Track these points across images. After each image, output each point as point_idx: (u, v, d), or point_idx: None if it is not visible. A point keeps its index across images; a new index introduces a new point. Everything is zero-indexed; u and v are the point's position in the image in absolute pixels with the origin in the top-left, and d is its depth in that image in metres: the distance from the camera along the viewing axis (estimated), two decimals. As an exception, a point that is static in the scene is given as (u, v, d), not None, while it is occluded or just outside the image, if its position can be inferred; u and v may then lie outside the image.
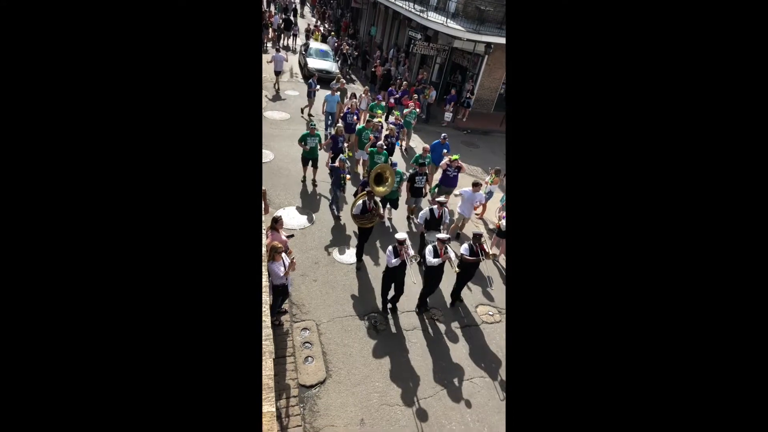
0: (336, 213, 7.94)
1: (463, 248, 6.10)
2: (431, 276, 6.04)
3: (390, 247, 5.71)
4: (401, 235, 5.66)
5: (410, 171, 8.12)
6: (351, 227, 7.59)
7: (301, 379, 4.95)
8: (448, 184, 8.28)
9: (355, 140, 9.48)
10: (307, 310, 5.92)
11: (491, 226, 8.86)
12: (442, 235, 5.78)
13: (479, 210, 9.05)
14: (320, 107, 11.77)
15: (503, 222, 7.41)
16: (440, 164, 8.37)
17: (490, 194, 8.80)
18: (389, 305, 6.19)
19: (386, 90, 14.23)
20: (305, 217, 7.88)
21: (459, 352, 5.79)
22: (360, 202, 6.60)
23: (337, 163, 7.58)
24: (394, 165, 7.78)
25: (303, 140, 8.39)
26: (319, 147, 8.61)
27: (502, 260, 7.81)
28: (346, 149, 8.58)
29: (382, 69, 16.08)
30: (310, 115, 12.34)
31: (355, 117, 10.26)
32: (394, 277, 5.87)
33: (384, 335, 5.80)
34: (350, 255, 7.15)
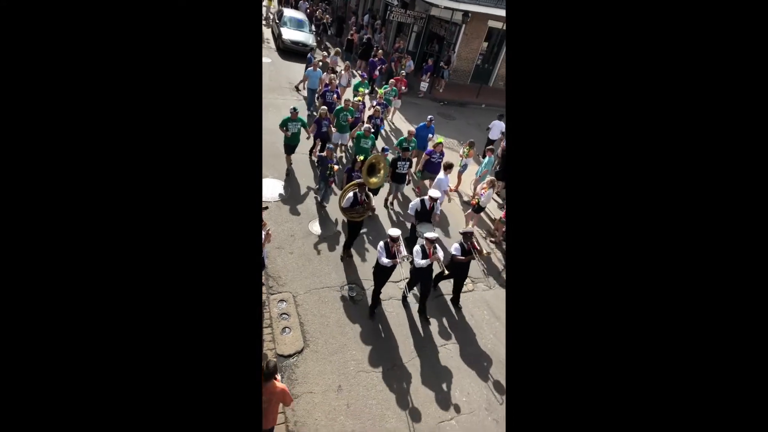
0: (322, 203, 7.42)
1: (454, 248, 5.81)
2: (419, 276, 5.69)
3: (381, 243, 5.37)
4: (394, 231, 5.34)
5: (392, 155, 7.74)
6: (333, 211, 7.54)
7: (279, 350, 5.02)
8: (432, 170, 8.00)
9: (332, 122, 8.80)
10: (284, 282, 5.94)
11: (465, 198, 8.98)
12: (431, 234, 5.46)
13: (452, 184, 8.95)
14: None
15: (482, 198, 7.36)
16: (425, 153, 8.05)
17: (464, 167, 8.87)
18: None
19: (366, 60, 13.87)
20: (280, 188, 7.77)
21: (433, 320, 5.97)
22: (350, 194, 6.14)
23: (324, 152, 7.03)
24: (386, 151, 7.38)
25: (284, 125, 7.56)
26: (304, 132, 7.89)
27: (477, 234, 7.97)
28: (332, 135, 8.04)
29: (358, 36, 15.61)
30: (297, 87, 11.58)
31: (335, 96, 9.47)
32: (386, 274, 5.58)
33: (360, 305, 5.90)
34: (326, 227, 7.13)
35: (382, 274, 5.60)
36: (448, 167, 7.32)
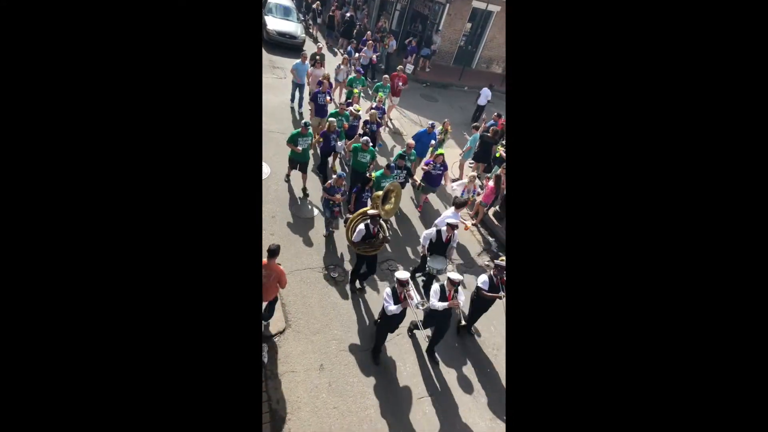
0: (328, 229, 6.67)
1: (482, 281, 5.19)
2: (434, 319, 4.95)
3: (388, 290, 4.63)
4: (402, 274, 4.56)
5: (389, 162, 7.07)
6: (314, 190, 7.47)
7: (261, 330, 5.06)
8: (432, 182, 7.45)
9: (319, 125, 8.10)
10: (265, 263, 5.94)
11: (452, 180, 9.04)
12: (455, 276, 4.70)
13: (384, 104, 8.74)
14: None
15: (462, 193, 7.19)
16: (423, 165, 7.46)
17: (440, 143, 8.84)
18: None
19: (348, 38, 13.56)
20: (266, 169, 7.67)
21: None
22: (361, 225, 5.25)
23: (332, 181, 6.19)
24: (393, 167, 6.57)
25: (292, 140, 6.82)
26: (312, 145, 7.35)
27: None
28: (341, 151, 7.31)
29: (340, 13, 15.25)
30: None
31: (327, 98, 8.53)
32: (392, 325, 4.88)
33: (342, 287, 5.97)
34: (308, 209, 7.11)
35: (387, 326, 4.86)
36: (461, 205, 6.32)
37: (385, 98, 9.47)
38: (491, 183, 7.59)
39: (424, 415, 4.73)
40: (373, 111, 8.20)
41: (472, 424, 4.80)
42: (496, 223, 8.12)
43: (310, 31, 14.93)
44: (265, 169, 7.69)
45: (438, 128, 8.83)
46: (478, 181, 7.85)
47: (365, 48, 11.99)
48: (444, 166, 7.36)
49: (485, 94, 11.49)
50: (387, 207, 6.13)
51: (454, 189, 7.37)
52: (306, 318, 5.37)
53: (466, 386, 5.19)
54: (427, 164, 7.38)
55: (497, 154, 8.53)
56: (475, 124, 9.20)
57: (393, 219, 7.33)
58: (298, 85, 9.61)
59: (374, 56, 12.33)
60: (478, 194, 7.79)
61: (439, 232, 5.59)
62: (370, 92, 9.93)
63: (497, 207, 7.99)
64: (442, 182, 7.59)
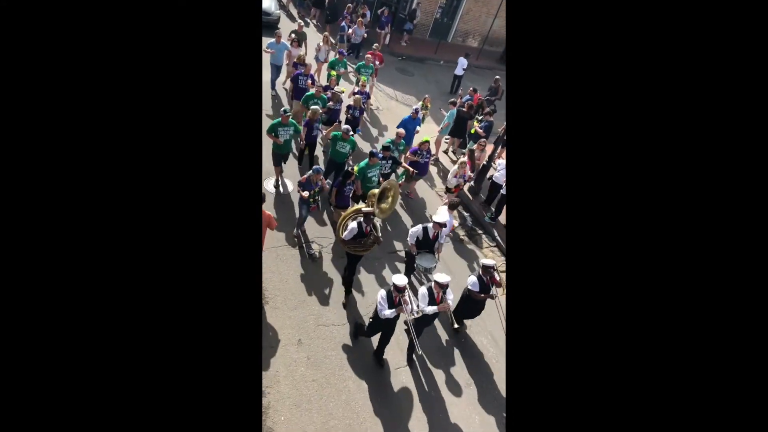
0: (296, 230, 6.12)
1: (471, 282, 5.10)
2: (420, 324, 4.80)
3: (382, 293, 4.46)
4: (400, 279, 4.36)
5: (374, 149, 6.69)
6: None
7: (238, 307, 5.05)
8: (420, 170, 7.21)
9: (300, 110, 7.48)
10: (240, 241, 5.86)
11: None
12: (442, 278, 4.52)
13: (367, 88, 8.39)
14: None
15: (453, 180, 7.12)
16: (409, 154, 7.19)
17: (413, 121, 8.77)
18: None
19: (321, 8, 13.07)
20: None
21: (390, 273, 6.18)
22: (354, 224, 4.99)
23: (310, 176, 5.67)
24: (376, 155, 6.18)
25: (272, 131, 6.30)
26: (299, 140, 6.83)
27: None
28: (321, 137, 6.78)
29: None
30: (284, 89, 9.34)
31: (309, 81, 7.90)
32: (385, 327, 4.70)
33: (318, 263, 5.98)
34: (283, 185, 7.00)
35: (378, 327, 4.72)
36: (454, 206, 6.23)
37: (368, 81, 9.01)
38: (466, 158, 7.61)
39: (401, 385, 4.89)
40: (357, 96, 7.76)
41: (447, 393, 5.00)
42: (471, 198, 8.24)
43: (283, 3, 14.09)
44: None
45: (419, 104, 8.76)
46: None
47: (355, 26, 11.44)
48: (429, 153, 7.16)
49: (461, 64, 11.73)
50: (383, 206, 5.71)
51: (450, 181, 7.23)
52: (283, 294, 5.38)
53: (443, 358, 5.37)
54: (413, 153, 7.12)
55: (472, 131, 8.56)
56: (452, 99, 9.16)
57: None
58: (275, 67, 8.92)
59: (365, 33, 11.85)
60: (470, 178, 7.63)
61: (425, 228, 5.42)
62: (351, 74, 9.36)
63: (472, 182, 8.07)
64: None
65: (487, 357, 5.55)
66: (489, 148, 8.41)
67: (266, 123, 7.34)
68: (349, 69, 9.89)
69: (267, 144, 6.23)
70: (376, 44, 10.65)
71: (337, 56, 9.10)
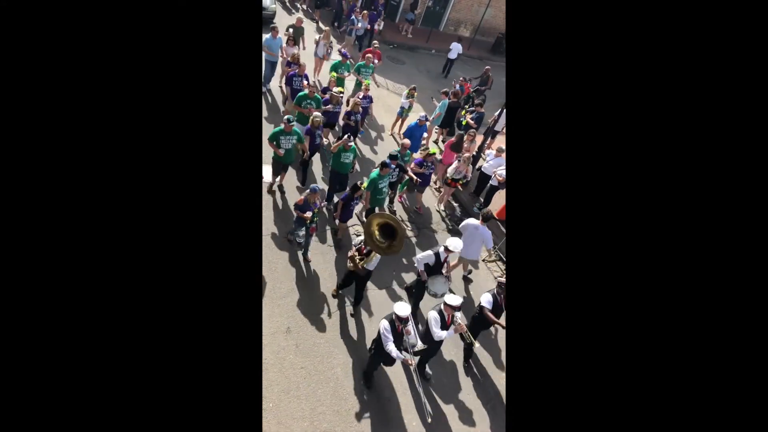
0: (305, 256, 5.81)
1: (485, 300, 4.80)
2: (431, 344, 4.52)
3: (385, 323, 4.14)
4: (402, 308, 4.08)
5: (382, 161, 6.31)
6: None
7: (226, 295, 5.04)
8: (425, 181, 7.06)
9: (294, 110, 7.04)
10: (229, 229, 5.82)
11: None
12: (453, 299, 4.32)
13: (371, 92, 8.02)
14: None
15: (453, 173, 7.05)
16: (413, 164, 6.92)
17: (401, 111, 8.73)
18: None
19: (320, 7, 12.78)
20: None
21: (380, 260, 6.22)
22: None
23: (305, 195, 5.31)
24: (387, 166, 5.85)
25: (274, 139, 5.86)
26: (300, 150, 6.32)
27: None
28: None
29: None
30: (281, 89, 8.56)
31: (305, 82, 7.47)
32: (388, 360, 4.38)
33: (307, 252, 5.98)
34: (266, 172, 6.94)
35: (381, 358, 4.42)
36: (488, 218, 5.71)
37: (369, 77, 8.55)
38: (469, 154, 7.46)
39: (390, 372, 4.95)
40: (357, 100, 7.40)
41: (437, 378, 5.09)
42: (460, 188, 8.28)
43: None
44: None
45: (404, 92, 8.68)
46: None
47: (360, 18, 11.18)
48: (434, 165, 7.09)
49: (456, 48, 12.44)
50: (393, 243, 4.64)
51: (451, 172, 7.17)
52: (272, 283, 5.39)
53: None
54: (419, 164, 6.90)
55: (464, 122, 8.56)
56: (444, 90, 9.14)
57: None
58: (270, 63, 8.42)
59: (378, 25, 11.76)
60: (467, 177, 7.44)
61: (437, 255, 5.06)
62: (348, 74, 8.65)
63: (467, 180, 8.07)
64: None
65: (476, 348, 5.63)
66: (479, 138, 8.43)
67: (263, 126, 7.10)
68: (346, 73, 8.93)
69: (267, 151, 5.99)
70: (375, 42, 10.33)
71: (340, 58, 8.61)
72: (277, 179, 6.56)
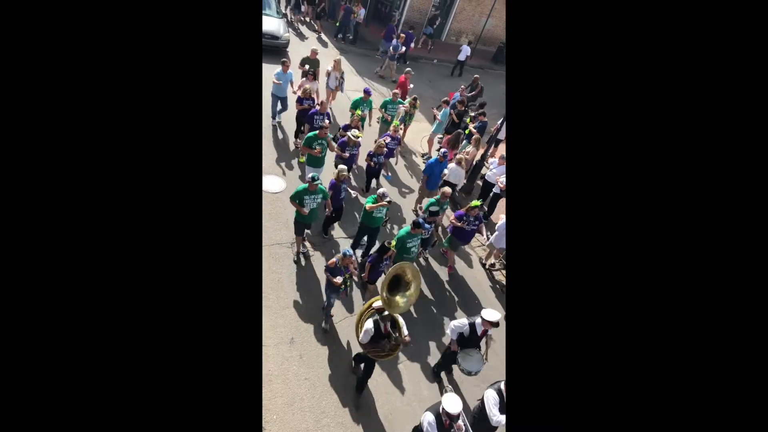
0: (327, 323, 5.21)
1: (492, 400, 3.85)
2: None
3: (429, 416, 3.50)
4: (453, 403, 3.39)
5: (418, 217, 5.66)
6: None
7: (230, 306, 5.02)
8: (462, 238, 6.00)
9: (303, 152, 6.53)
10: (232, 239, 5.81)
11: (419, 154, 9.05)
12: (453, 408, 3.35)
13: (400, 133, 7.58)
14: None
15: (450, 175, 6.92)
16: (453, 218, 5.96)
17: (410, 117, 8.79)
18: None
19: (310, 3, 12.93)
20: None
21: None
22: (369, 323, 4.14)
23: (337, 260, 4.75)
24: (423, 225, 5.26)
25: (297, 198, 5.27)
26: (324, 207, 5.73)
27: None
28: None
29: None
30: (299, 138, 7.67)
31: (327, 121, 6.81)
32: None
33: (311, 262, 5.97)
34: (275, 183, 6.98)
35: None
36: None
37: (399, 122, 7.71)
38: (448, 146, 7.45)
39: (394, 383, 4.90)
40: (381, 142, 6.56)
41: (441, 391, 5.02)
42: (464, 196, 8.27)
43: (293, 23, 12.56)
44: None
45: (406, 101, 8.71)
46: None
47: (395, 41, 11.30)
48: (479, 219, 5.81)
49: (465, 51, 13.12)
50: (397, 298, 4.17)
51: (450, 175, 7.06)
52: (276, 293, 5.37)
53: (435, 355, 5.39)
54: (458, 218, 5.82)
55: (466, 131, 8.59)
56: (444, 99, 9.20)
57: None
58: (279, 99, 7.80)
59: (402, 48, 11.78)
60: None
61: (473, 325, 4.41)
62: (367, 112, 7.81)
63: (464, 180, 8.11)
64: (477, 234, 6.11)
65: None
66: (482, 147, 8.45)
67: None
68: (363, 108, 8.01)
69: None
70: (408, 69, 9.91)
71: (363, 95, 7.65)
72: (302, 246, 5.93)
